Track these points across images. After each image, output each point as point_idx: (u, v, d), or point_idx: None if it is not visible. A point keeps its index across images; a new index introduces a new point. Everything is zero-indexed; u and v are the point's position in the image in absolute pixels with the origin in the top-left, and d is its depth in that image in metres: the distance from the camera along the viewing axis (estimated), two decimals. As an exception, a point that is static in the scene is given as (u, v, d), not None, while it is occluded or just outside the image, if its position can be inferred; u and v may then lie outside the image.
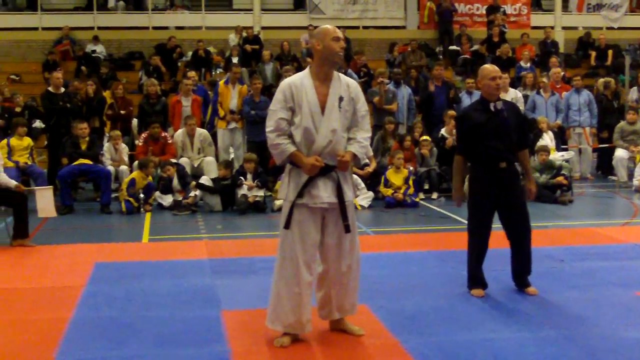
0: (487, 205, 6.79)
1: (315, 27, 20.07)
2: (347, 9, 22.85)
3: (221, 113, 13.93)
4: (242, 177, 12.06)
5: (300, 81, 5.49)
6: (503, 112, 6.70)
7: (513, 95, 14.28)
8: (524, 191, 6.95)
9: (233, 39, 21.04)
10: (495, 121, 6.67)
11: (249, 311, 6.54)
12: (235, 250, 9.13)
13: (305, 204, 5.47)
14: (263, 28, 22.21)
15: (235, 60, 20.04)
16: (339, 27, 18.26)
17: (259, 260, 8.45)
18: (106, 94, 14.51)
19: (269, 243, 9.63)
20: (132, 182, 12.01)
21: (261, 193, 12.05)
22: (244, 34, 21.02)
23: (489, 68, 6.81)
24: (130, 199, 11.85)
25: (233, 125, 13.98)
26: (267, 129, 5.50)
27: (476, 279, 6.92)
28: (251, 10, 22.58)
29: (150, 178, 12.23)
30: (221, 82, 14.26)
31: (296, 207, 5.48)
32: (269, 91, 16.22)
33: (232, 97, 13.99)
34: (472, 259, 6.94)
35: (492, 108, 6.68)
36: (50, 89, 13.56)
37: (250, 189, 11.97)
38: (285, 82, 5.56)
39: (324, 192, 5.48)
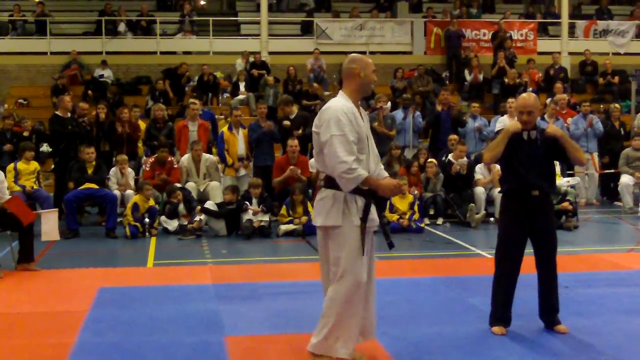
0: (518, 236, 6.61)
1: (321, 52, 20.26)
2: (354, 34, 22.96)
3: (229, 161, 13.77)
4: (247, 202, 12.07)
5: (350, 106, 5.49)
6: (537, 141, 6.60)
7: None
8: (554, 221, 6.87)
9: (240, 64, 21.13)
10: (527, 148, 6.57)
11: (253, 337, 6.55)
12: (240, 276, 9.12)
13: (367, 227, 5.50)
14: (270, 53, 22.31)
15: (242, 85, 20.18)
16: (345, 53, 18.57)
17: (264, 285, 8.45)
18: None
19: (274, 268, 9.68)
20: (136, 207, 12.02)
21: (266, 218, 12.06)
22: (251, 59, 21.13)
23: (525, 98, 6.66)
24: (136, 224, 11.86)
25: (242, 172, 13.89)
26: (341, 154, 5.29)
27: (499, 316, 6.67)
28: (259, 35, 22.70)
29: (152, 201, 12.24)
30: (225, 129, 14.04)
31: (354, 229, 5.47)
32: (273, 115, 16.32)
33: (238, 142, 13.83)
34: (497, 293, 6.69)
35: (525, 136, 6.61)
36: (58, 112, 13.63)
37: (255, 213, 11.97)
38: (341, 107, 5.42)
39: (375, 215, 5.61)
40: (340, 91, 5.64)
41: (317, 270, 9.22)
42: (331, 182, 5.46)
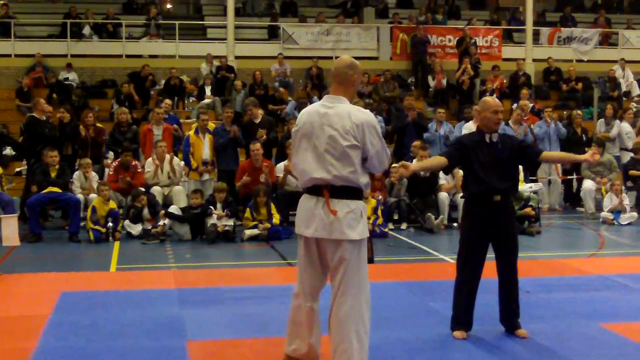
0: (480, 241, 6.65)
1: (288, 57, 20.27)
2: (321, 39, 23.00)
3: (194, 164, 13.72)
4: (211, 207, 12.06)
5: None
6: (498, 144, 6.65)
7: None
8: (515, 226, 6.93)
9: (205, 67, 21.09)
10: (489, 153, 6.62)
11: (215, 341, 6.56)
12: (204, 280, 9.12)
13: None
14: (237, 57, 22.27)
15: (208, 89, 20.14)
16: (312, 58, 18.55)
17: (227, 290, 8.46)
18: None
19: (238, 273, 9.70)
20: (94, 210, 11.97)
21: (231, 222, 12.06)
22: (217, 63, 21.09)
23: (491, 102, 6.72)
24: (98, 227, 11.81)
25: (206, 177, 13.82)
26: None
27: (460, 320, 6.73)
28: (225, 39, 22.66)
29: (112, 204, 12.19)
30: (191, 133, 14.00)
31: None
32: (238, 120, 16.32)
33: (203, 147, 13.81)
34: (458, 298, 6.74)
35: (487, 140, 6.68)
36: (35, 114, 13.52)
37: (219, 218, 11.97)
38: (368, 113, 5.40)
39: None
40: (341, 97, 5.38)
41: (281, 275, 9.28)
42: (358, 193, 5.37)
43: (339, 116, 5.26)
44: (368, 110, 5.43)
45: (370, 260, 5.54)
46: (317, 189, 5.34)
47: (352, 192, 5.30)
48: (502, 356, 6.20)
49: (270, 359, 5.99)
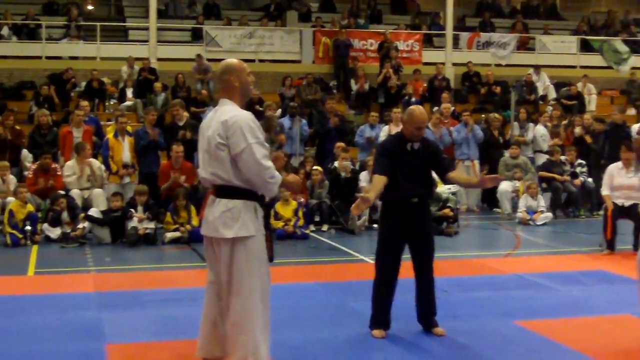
0: (397, 241, 6.79)
1: (211, 59, 20.14)
2: (244, 42, 22.97)
3: (113, 168, 13.57)
4: (132, 209, 11.98)
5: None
6: (419, 151, 6.77)
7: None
8: (431, 226, 7.07)
9: (125, 70, 20.87)
10: (411, 158, 6.73)
11: (135, 344, 6.55)
12: (124, 283, 9.05)
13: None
14: (159, 59, 22.11)
15: (129, 92, 19.95)
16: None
17: (147, 293, 8.43)
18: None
19: (158, 276, 9.68)
20: (11, 213, 11.77)
21: (152, 225, 11.99)
22: (139, 65, 20.88)
23: (417, 116, 6.70)
24: (15, 232, 11.61)
25: (127, 180, 13.70)
26: (263, 161, 5.22)
27: (379, 320, 6.84)
28: (147, 41, 22.48)
29: (30, 207, 12.01)
30: (110, 136, 13.84)
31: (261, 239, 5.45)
32: (161, 123, 16.22)
33: (123, 150, 13.67)
34: (377, 297, 6.87)
35: (408, 148, 6.76)
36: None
37: (140, 221, 11.89)
38: (246, 114, 5.33)
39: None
40: (227, 100, 5.45)
41: (203, 277, 9.26)
42: (237, 192, 5.32)
43: (217, 118, 5.36)
44: (246, 112, 5.38)
45: (270, 260, 5.52)
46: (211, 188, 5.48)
47: (232, 191, 5.31)
48: (419, 354, 6.33)
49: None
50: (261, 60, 23.16)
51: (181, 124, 14.31)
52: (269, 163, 5.26)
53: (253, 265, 5.32)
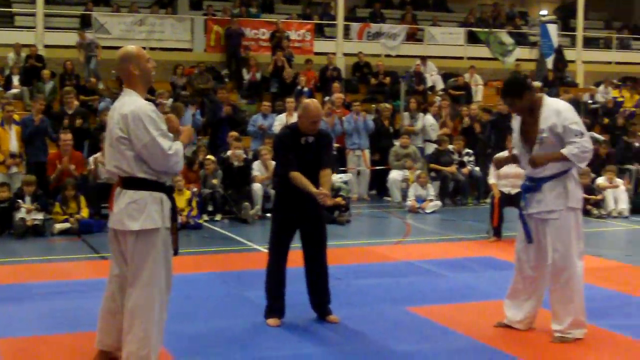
0: (288, 230, 6.89)
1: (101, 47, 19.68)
2: (134, 29, 22.58)
3: (0, 157, 13.23)
4: (19, 200, 11.68)
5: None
6: (312, 145, 6.82)
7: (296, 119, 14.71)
8: (323, 215, 7.09)
9: (12, 57, 20.26)
10: (305, 149, 6.79)
11: (26, 338, 6.41)
12: (11, 276, 8.84)
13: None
14: (46, 46, 21.54)
15: (15, 79, 19.38)
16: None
17: (37, 285, 8.25)
18: None
19: (48, 268, 9.46)
20: None
21: (40, 216, 11.73)
22: (26, 52, 20.29)
23: (312, 111, 6.76)
24: None
25: (14, 170, 13.33)
26: (169, 150, 5.14)
27: (273, 308, 6.90)
28: (34, 28, 21.87)
29: None
30: None
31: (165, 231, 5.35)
32: (48, 111, 15.84)
33: (10, 139, 13.32)
34: (270, 286, 6.92)
35: (302, 142, 6.80)
36: None
37: (28, 212, 11.61)
38: (145, 104, 5.21)
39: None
40: (129, 90, 5.33)
41: (94, 269, 9.15)
42: (143, 183, 5.22)
43: (119, 110, 5.23)
44: (145, 102, 5.27)
45: (175, 252, 5.49)
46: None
47: (137, 183, 5.22)
48: (314, 342, 6.39)
49: (82, 354, 5.90)
50: (152, 48, 22.78)
51: (70, 112, 14.03)
52: (173, 151, 5.17)
53: (156, 258, 5.25)
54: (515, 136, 6.66)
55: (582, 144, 6.15)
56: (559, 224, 6.29)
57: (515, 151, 6.75)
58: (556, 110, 6.25)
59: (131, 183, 5.24)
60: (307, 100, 7.03)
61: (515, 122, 6.64)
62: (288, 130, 7.08)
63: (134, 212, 5.19)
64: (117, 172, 5.27)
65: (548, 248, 6.34)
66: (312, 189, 6.57)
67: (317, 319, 6.96)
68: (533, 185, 6.42)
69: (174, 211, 5.43)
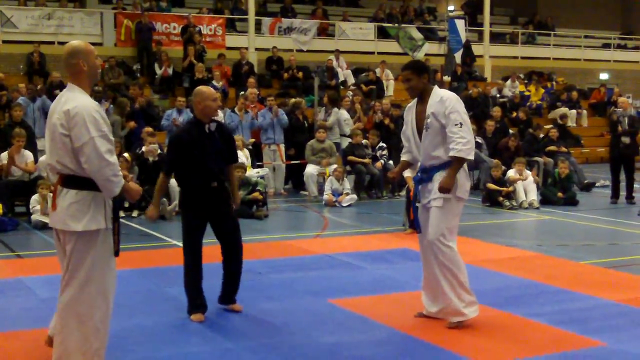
0: (200, 225, 6.93)
1: (6, 41, 19.27)
2: (42, 23, 22.12)
3: None
4: None
5: (96, 103, 5.23)
6: (215, 134, 6.89)
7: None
8: (233, 209, 7.12)
9: None
10: (209, 142, 6.83)
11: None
12: None
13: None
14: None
15: None
16: (32, 42, 17.78)
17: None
18: None
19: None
20: None
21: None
22: None
23: (207, 91, 6.92)
24: None
25: None
26: (107, 156, 5.01)
27: (195, 304, 6.92)
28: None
29: None
30: None
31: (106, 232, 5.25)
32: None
33: None
34: (190, 282, 6.95)
35: (207, 130, 6.86)
36: None
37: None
38: (90, 104, 5.09)
39: None
40: (74, 85, 5.22)
41: (11, 268, 9.01)
42: (87, 182, 5.08)
43: (61, 105, 5.11)
44: (90, 100, 5.17)
45: (116, 253, 5.34)
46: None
47: (81, 182, 5.10)
48: (238, 336, 6.42)
49: (4, 354, 5.83)
50: (60, 43, 22.37)
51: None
52: (114, 159, 5.05)
53: (96, 258, 5.16)
54: (407, 128, 6.85)
55: (461, 135, 6.38)
56: (444, 209, 6.49)
57: (405, 144, 6.92)
58: (441, 98, 6.51)
59: (73, 181, 5.11)
60: (198, 87, 7.13)
61: (408, 113, 6.85)
62: (189, 125, 7.12)
63: (77, 212, 5.09)
64: (59, 168, 5.13)
65: (429, 230, 6.57)
66: (157, 200, 7.08)
67: (240, 313, 7.00)
68: (425, 176, 6.64)
69: (116, 211, 5.29)
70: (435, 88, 6.66)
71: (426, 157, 6.62)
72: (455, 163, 6.43)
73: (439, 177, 6.50)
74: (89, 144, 4.97)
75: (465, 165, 6.60)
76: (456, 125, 6.38)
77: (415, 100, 6.79)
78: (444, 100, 6.48)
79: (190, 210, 6.95)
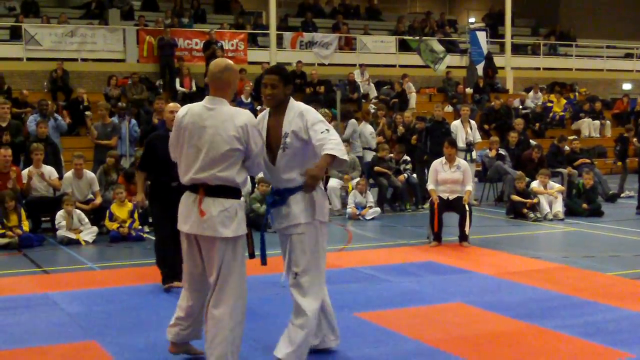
0: (168, 221, 7.46)
1: (31, 59, 19.46)
2: (65, 40, 22.32)
3: None
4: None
5: None
6: None
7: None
8: None
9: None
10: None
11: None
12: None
13: None
14: (-25, 58, 21.21)
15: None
16: (56, 59, 17.88)
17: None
18: None
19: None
20: None
21: (-23, 232, 11.52)
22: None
23: (170, 105, 8.36)
24: None
25: None
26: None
27: (167, 275, 8.47)
28: (-40, 39, 21.52)
29: None
30: None
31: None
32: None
33: None
34: (159, 258, 8.58)
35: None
36: None
37: (-35, 227, 11.40)
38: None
39: None
40: (223, 99, 5.44)
41: (37, 283, 9.05)
42: (233, 192, 5.44)
43: (220, 118, 5.36)
44: (247, 111, 5.55)
45: (252, 256, 5.67)
46: (195, 187, 5.44)
47: (228, 191, 5.41)
48: (261, 350, 6.40)
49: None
50: (84, 60, 22.63)
51: (4, 124, 13.79)
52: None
53: (238, 264, 5.47)
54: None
55: (332, 138, 5.56)
56: (305, 238, 5.77)
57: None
58: (300, 112, 5.72)
59: (223, 191, 5.41)
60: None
61: (262, 121, 5.90)
62: (162, 131, 8.43)
63: (226, 219, 5.39)
64: (208, 180, 5.38)
65: (291, 264, 5.94)
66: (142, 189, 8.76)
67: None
68: (278, 198, 5.80)
69: (248, 217, 5.75)
70: (292, 101, 5.81)
71: (279, 180, 5.82)
72: (329, 159, 5.50)
73: (294, 200, 5.73)
74: (262, 151, 5.58)
75: (321, 184, 5.87)
76: (322, 132, 5.59)
77: (266, 112, 5.95)
78: (304, 114, 5.70)
79: (157, 206, 8.42)
